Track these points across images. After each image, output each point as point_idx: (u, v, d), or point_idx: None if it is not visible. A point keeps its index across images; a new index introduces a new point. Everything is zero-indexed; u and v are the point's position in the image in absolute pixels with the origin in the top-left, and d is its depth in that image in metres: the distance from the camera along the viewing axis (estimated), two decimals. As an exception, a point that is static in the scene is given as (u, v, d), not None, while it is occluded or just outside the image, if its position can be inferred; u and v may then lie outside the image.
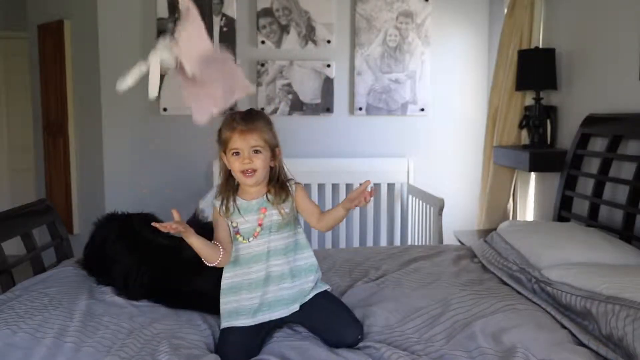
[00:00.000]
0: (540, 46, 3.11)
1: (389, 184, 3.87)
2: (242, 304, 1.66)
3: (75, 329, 1.60)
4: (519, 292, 1.90)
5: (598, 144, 2.61)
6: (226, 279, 1.71)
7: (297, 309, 1.67)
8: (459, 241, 3.08)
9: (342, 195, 3.75)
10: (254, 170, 1.64)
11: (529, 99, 3.14)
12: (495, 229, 2.56)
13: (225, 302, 1.69)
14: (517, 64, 3.05)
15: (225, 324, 1.67)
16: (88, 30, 3.84)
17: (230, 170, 1.70)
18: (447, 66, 3.87)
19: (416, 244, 3.52)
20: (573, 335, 1.56)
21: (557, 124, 3.00)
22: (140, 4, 3.77)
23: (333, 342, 1.60)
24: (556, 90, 2.98)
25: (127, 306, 1.83)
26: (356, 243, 3.83)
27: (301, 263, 1.73)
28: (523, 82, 3.01)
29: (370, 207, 3.83)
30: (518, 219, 3.38)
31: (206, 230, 2.24)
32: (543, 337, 1.52)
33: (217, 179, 3.60)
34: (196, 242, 1.60)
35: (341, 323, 1.64)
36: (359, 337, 1.62)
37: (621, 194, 2.36)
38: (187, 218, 2.31)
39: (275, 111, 3.80)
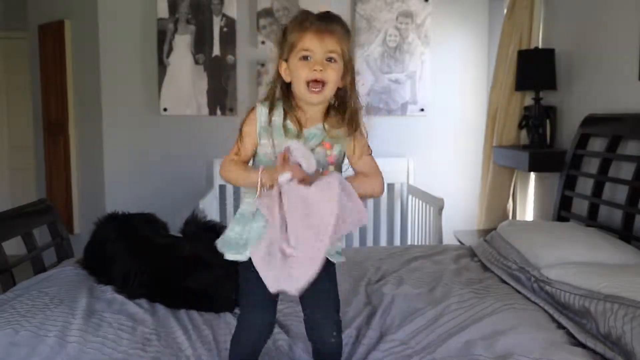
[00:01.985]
0: (540, 46, 3.11)
1: (388, 184, 3.87)
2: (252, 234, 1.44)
3: (77, 327, 1.61)
4: (518, 291, 1.90)
5: (597, 144, 2.61)
6: (249, 205, 1.47)
7: None
8: (459, 241, 3.08)
9: (342, 195, 3.74)
10: (324, 84, 1.35)
11: (528, 99, 3.14)
12: (495, 229, 2.56)
13: (234, 231, 1.47)
14: (517, 64, 3.05)
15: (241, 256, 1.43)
16: (88, 30, 3.84)
17: (284, 83, 1.40)
18: (447, 66, 3.87)
19: (416, 244, 3.52)
20: (571, 335, 1.56)
21: (557, 124, 3.00)
22: (140, 4, 3.77)
23: (312, 337, 1.50)
24: (556, 91, 2.98)
25: (128, 304, 1.84)
26: (356, 243, 3.83)
27: None
28: (523, 82, 3.01)
29: (370, 207, 3.83)
30: (518, 219, 3.38)
31: (206, 230, 2.25)
32: (541, 337, 1.52)
33: (217, 179, 3.63)
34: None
35: (323, 313, 1.48)
36: (334, 333, 1.48)
37: (620, 194, 2.36)
38: (187, 218, 2.32)
39: (275, 111, 3.79)
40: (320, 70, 1.33)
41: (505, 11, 3.34)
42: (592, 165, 2.61)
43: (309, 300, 1.47)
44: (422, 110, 3.86)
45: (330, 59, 1.35)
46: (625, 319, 1.45)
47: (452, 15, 3.86)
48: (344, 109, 1.42)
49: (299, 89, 1.36)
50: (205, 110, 3.77)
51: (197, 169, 3.84)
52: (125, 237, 2.09)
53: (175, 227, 2.29)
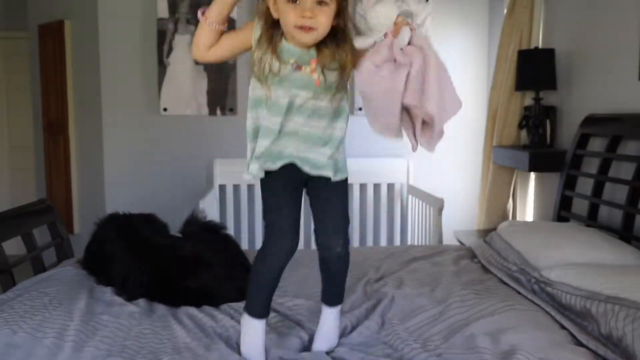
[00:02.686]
0: (540, 46, 3.11)
1: (389, 184, 3.88)
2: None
3: (75, 328, 1.61)
4: (518, 292, 1.90)
5: (597, 144, 2.61)
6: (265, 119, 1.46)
7: (316, 173, 1.47)
8: (459, 241, 3.08)
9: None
10: (314, 29, 1.30)
11: (528, 99, 3.14)
12: (495, 229, 2.56)
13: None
14: (517, 64, 3.05)
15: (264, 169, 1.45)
16: (88, 30, 3.84)
17: (273, 20, 1.34)
18: (447, 66, 3.86)
19: (416, 244, 3.52)
20: (572, 335, 1.56)
21: (557, 124, 3.00)
22: (140, 4, 3.77)
23: (320, 243, 1.54)
24: (556, 91, 2.98)
25: (127, 305, 1.84)
26: (356, 243, 3.83)
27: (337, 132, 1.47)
28: (523, 82, 3.01)
29: (370, 207, 3.83)
30: (518, 219, 3.38)
31: (206, 230, 2.25)
32: (542, 338, 1.52)
33: (217, 179, 3.63)
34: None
35: (332, 223, 1.52)
36: (341, 242, 1.53)
37: (621, 194, 2.36)
38: (187, 218, 2.32)
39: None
40: (310, 16, 1.27)
41: (505, 11, 3.34)
42: (592, 165, 2.61)
43: (320, 207, 1.52)
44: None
45: (321, 2, 1.29)
46: (626, 321, 1.44)
47: (452, 15, 3.86)
48: (336, 43, 1.37)
49: (288, 30, 1.32)
50: (205, 110, 3.77)
51: (197, 169, 3.84)
52: (125, 237, 2.09)
53: (175, 227, 2.29)
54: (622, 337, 1.42)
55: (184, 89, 3.75)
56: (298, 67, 1.36)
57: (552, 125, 3.01)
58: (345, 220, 1.56)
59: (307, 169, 1.46)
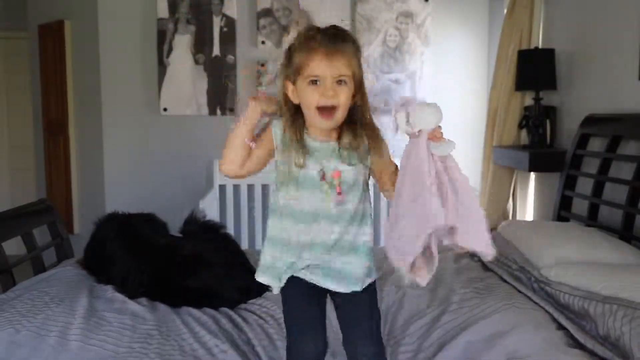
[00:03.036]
0: (540, 46, 3.11)
1: (388, 184, 3.87)
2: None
3: (78, 326, 1.61)
4: (519, 291, 1.90)
5: (597, 144, 2.61)
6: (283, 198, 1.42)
7: (343, 290, 1.37)
8: (459, 241, 3.08)
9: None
10: (335, 108, 1.29)
11: (528, 99, 3.14)
12: (495, 229, 2.56)
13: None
14: (517, 64, 3.05)
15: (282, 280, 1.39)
16: (88, 30, 3.84)
17: (294, 105, 1.33)
18: (447, 66, 3.87)
19: (416, 243, 3.51)
20: (571, 334, 1.56)
21: (557, 124, 3.00)
22: (140, 4, 3.77)
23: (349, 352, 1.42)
24: (556, 91, 2.98)
25: (128, 302, 1.84)
26: (356, 243, 3.83)
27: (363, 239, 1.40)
28: (523, 82, 3.01)
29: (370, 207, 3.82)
30: (518, 218, 3.38)
31: (206, 230, 2.25)
32: (541, 337, 1.53)
33: (217, 179, 3.63)
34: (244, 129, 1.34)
35: (358, 335, 1.40)
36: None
37: (621, 194, 2.36)
38: (187, 218, 2.33)
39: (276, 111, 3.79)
40: (333, 95, 1.27)
41: (505, 11, 3.34)
42: (592, 165, 2.61)
43: (346, 321, 1.42)
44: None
45: (340, 82, 1.29)
46: (624, 320, 1.45)
47: (452, 15, 3.85)
48: (354, 123, 1.35)
49: (309, 114, 1.31)
50: (205, 110, 3.77)
51: (197, 169, 3.84)
52: (125, 237, 2.09)
53: (175, 227, 2.30)
54: (620, 336, 1.43)
55: (184, 89, 3.75)
56: (322, 177, 1.33)
57: (552, 125, 3.01)
58: (375, 331, 1.41)
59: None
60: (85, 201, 4.06)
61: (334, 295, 1.41)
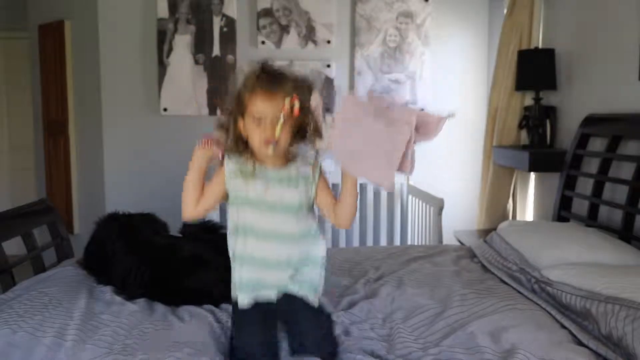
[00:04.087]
0: (540, 46, 3.11)
1: (388, 184, 3.87)
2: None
3: (75, 327, 1.61)
4: (519, 292, 1.90)
5: (597, 144, 2.61)
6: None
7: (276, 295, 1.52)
8: (459, 241, 3.08)
9: (342, 195, 3.75)
10: (277, 141, 1.43)
11: (528, 99, 3.14)
12: (495, 229, 2.56)
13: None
14: (517, 64, 3.05)
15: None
16: (88, 30, 3.84)
17: (240, 133, 1.49)
18: (447, 66, 3.87)
19: (416, 244, 3.52)
20: (573, 335, 1.56)
21: (557, 124, 3.00)
22: (140, 4, 3.77)
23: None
24: (556, 91, 2.98)
25: (127, 304, 1.84)
26: (356, 243, 3.83)
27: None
28: (523, 82, 3.02)
29: (370, 207, 3.83)
30: (518, 219, 3.38)
31: (206, 230, 2.25)
32: (543, 337, 1.53)
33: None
34: (196, 173, 1.55)
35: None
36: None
37: (621, 194, 2.36)
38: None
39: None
40: (271, 133, 1.41)
41: (505, 11, 3.34)
42: (592, 165, 2.61)
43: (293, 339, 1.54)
44: (422, 110, 3.85)
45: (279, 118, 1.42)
46: (626, 320, 1.45)
47: (452, 15, 3.86)
48: (303, 137, 1.50)
49: (254, 146, 1.46)
50: (205, 110, 3.77)
51: (197, 169, 3.84)
52: (125, 237, 2.09)
53: (175, 227, 2.29)
54: (622, 336, 1.43)
55: (184, 89, 3.75)
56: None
57: (552, 125, 3.01)
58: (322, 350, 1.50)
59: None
60: (85, 201, 4.06)
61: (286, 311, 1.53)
